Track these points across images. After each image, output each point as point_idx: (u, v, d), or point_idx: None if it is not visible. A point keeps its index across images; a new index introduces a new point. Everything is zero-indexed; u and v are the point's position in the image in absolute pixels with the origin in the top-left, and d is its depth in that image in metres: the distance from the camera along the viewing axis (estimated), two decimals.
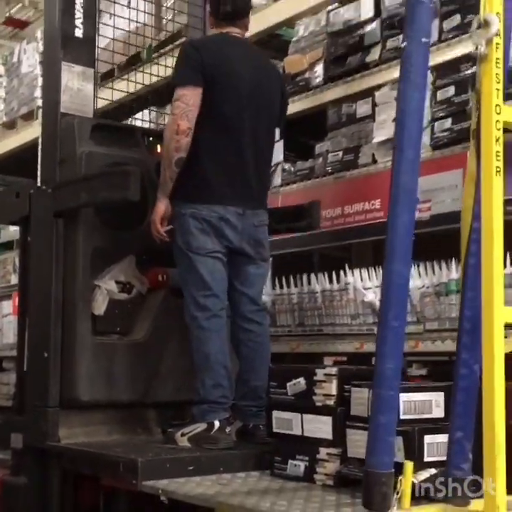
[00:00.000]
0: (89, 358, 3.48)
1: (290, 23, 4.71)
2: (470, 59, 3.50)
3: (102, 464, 3.24)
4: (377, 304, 3.28)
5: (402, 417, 2.65)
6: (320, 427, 3.00)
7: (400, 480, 2.25)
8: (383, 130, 3.94)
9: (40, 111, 4.11)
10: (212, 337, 3.34)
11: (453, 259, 3.46)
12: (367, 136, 4.06)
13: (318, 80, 4.34)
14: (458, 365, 2.34)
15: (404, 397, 2.68)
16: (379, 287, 3.38)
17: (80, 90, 3.67)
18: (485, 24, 2.24)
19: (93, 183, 3.34)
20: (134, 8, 4.50)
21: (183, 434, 3.33)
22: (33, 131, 6.16)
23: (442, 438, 2.57)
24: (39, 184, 3.63)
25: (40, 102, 5.73)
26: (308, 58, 4.44)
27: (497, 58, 2.25)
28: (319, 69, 4.35)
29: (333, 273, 4.04)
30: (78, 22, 3.67)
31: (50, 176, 3.56)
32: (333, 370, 3.02)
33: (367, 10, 4.13)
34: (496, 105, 2.24)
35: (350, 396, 2.92)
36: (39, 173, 3.72)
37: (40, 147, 3.86)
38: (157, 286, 3.75)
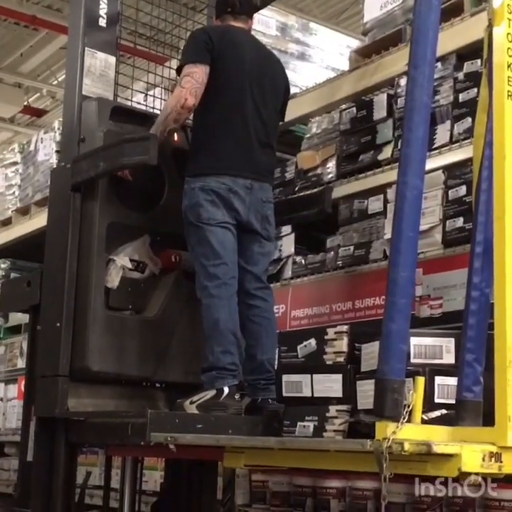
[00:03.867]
0: (100, 331, 3.49)
1: (304, 120, 4.89)
2: None
3: (110, 429, 3.23)
4: None
5: (412, 360, 2.68)
6: (330, 385, 3.02)
7: (411, 394, 2.26)
8: None
9: None
10: (222, 304, 3.36)
11: None
12: (378, 232, 4.12)
13: (330, 176, 4.45)
14: (469, 288, 2.38)
15: (414, 340, 2.71)
16: None
17: (101, 75, 3.78)
18: None
19: (111, 151, 3.41)
20: None
21: (192, 402, 3.31)
22: (45, 217, 6.28)
23: (453, 381, 2.59)
24: (58, 162, 3.72)
25: None
26: (320, 155, 4.56)
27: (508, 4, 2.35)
28: (332, 165, 4.46)
29: None
30: (102, 12, 3.82)
31: (71, 154, 3.65)
32: (345, 328, 3.05)
33: (380, 110, 4.23)
34: (508, 34, 2.34)
35: (361, 352, 2.95)
36: (60, 151, 3.79)
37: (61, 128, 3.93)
38: (170, 268, 3.79)
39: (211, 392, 3.30)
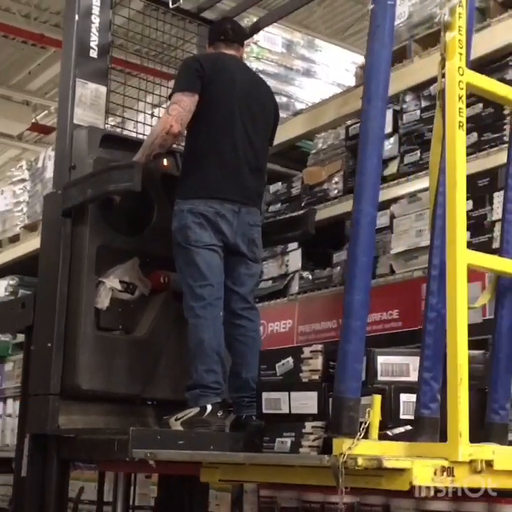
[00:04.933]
0: (90, 350, 3.62)
1: (310, 136, 4.98)
2: (487, 174, 3.71)
3: (97, 446, 3.36)
4: None
5: (379, 378, 2.80)
6: (306, 402, 3.11)
7: (368, 411, 2.37)
8: (401, 241, 4.06)
9: None
10: (207, 324, 3.49)
11: None
12: (385, 247, 4.17)
13: (336, 191, 4.55)
14: (426, 309, 2.49)
15: (381, 359, 2.82)
16: None
17: (92, 104, 3.93)
18: None
19: (99, 178, 3.56)
20: None
21: (176, 419, 3.44)
22: None
23: None
24: (52, 189, 3.87)
25: None
26: (326, 170, 4.64)
27: (459, 26, 2.48)
28: (338, 180, 4.56)
29: None
30: (93, 43, 3.97)
31: (62, 181, 3.79)
32: (319, 347, 3.15)
33: (385, 125, 4.32)
34: (459, 67, 2.46)
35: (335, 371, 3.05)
36: (53, 178, 3.94)
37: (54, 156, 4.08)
38: (159, 289, 3.93)
39: (195, 410, 3.43)
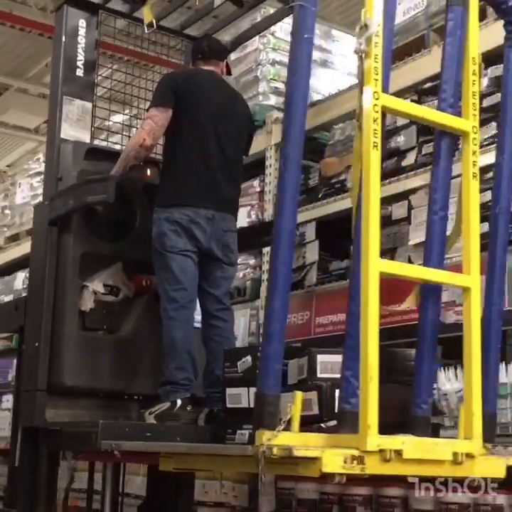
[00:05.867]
0: (75, 349, 3.93)
1: (327, 127, 5.03)
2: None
3: (74, 438, 3.67)
4: None
5: (318, 375, 3.05)
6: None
7: (290, 406, 2.63)
8: (419, 232, 3.97)
9: None
10: (179, 325, 3.77)
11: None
12: (402, 238, 4.17)
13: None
14: (348, 314, 2.73)
15: (321, 358, 3.08)
16: None
17: (79, 120, 4.22)
18: (365, 26, 2.71)
19: (78, 191, 3.86)
20: None
21: (150, 413, 3.73)
22: None
23: None
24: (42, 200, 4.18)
25: None
26: (344, 161, 4.61)
27: (375, 54, 2.71)
28: None
29: None
30: (80, 63, 4.26)
31: (50, 192, 4.10)
32: None
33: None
34: (375, 92, 2.69)
35: (288, 368, 3.31)
36: (43, 189, 4.25)
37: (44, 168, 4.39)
38: (142, 291, 4.21)
39: (166, 404, 3.71)
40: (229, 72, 4.43)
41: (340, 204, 4.52)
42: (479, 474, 2.80)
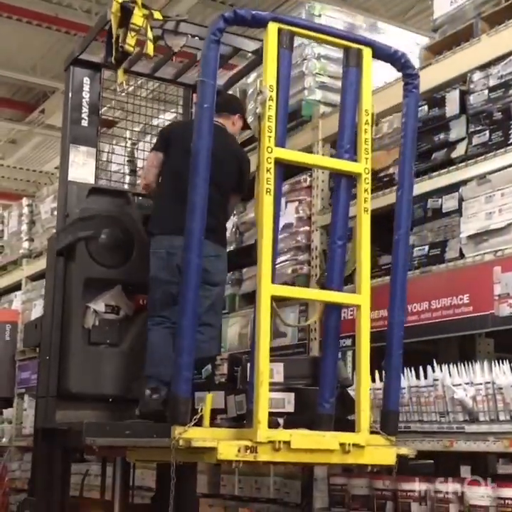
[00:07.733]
0: (80, 361, 4.63)
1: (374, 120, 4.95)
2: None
3: (70, 435, 4.35)
4: (468, 401, 3.69)
5: (249, 380, 3.63)
6: (218, 400, 3.97)
7: (201, 406, 3.23)
8: (471, 224, 4.00)
9: None
10: (158, 335, 4.37)
11: None
12: (453, 231, 4.12)
13: None
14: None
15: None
16: (469, 384, 3.72)
17: (84, 164, 4.93)
18: (261, 93, 3.29)
19: (73, 227, 4.58)
20: None
21: (138, 411, 4.37)
22: None
23: (274, 395, 3.49)
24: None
25: None
26: (392, 154, 4.53)
27: (269, 115, 3.28)
28: None
29: (420, 368, 4.04)
30: (84, 115, 4.97)
31: (60, 226, 4.82)
32: (226, 356, 4.02)
33: (452, 106, 4.26)
34: (268, 147, 3.27)
35: (237, 374, 3.91)
36: (55, 224, 4.99)
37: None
38: (140, 309, 4.88)
39: (148, 404, 4.34)
40: (245, 127, 4.73)
41: (389, 198, 4.36)
42: (368, 461, 3.33)
